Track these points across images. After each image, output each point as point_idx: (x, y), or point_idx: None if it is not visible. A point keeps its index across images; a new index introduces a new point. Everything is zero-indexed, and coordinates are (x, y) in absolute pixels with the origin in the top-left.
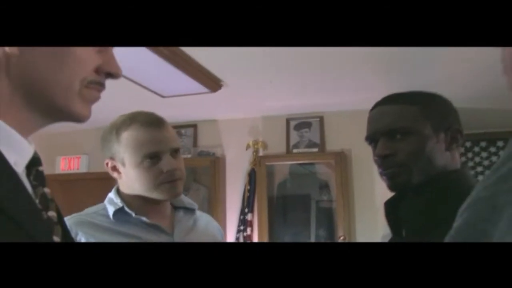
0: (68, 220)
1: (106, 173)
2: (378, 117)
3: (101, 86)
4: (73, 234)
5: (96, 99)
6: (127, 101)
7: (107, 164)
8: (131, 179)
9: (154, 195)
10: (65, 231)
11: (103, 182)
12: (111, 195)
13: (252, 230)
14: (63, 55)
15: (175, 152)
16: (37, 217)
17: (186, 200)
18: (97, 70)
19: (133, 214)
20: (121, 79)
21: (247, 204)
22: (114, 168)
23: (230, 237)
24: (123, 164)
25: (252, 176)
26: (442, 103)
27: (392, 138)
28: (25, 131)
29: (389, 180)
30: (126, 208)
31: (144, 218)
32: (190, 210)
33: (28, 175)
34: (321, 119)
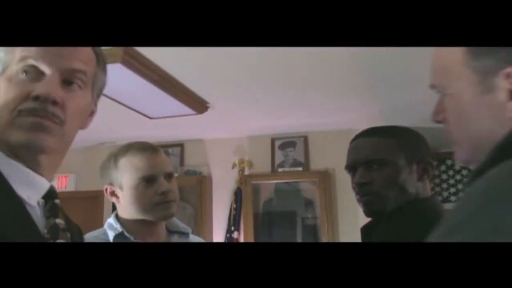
0: None
1: (93, 192)
2: (357, 148)
3: (38, 111)
4: None
5: (32, 124)
6: (115, 122)
7: (106, 189)
8: (128, 201)
9: (150, 216)
10: None
11: (90, 201)
12: (111, 220)
13: None
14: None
15: (168, 176)
16: (39, 243)
17: (180, 224)
18: (27, 98)
19: (132, 238)
20: (110, 101)
21: (233, 222)
22: (113, 193)
23: None
24: (121, 188)
25: (238, 195)
26: (416, 137)
27: (369, 168)
28: (36, 168)
29: (365, 207)
30: (126, 233)
31: (142, 242)
32: (184, 234)
33: (45, 206)
34: (305, 138)
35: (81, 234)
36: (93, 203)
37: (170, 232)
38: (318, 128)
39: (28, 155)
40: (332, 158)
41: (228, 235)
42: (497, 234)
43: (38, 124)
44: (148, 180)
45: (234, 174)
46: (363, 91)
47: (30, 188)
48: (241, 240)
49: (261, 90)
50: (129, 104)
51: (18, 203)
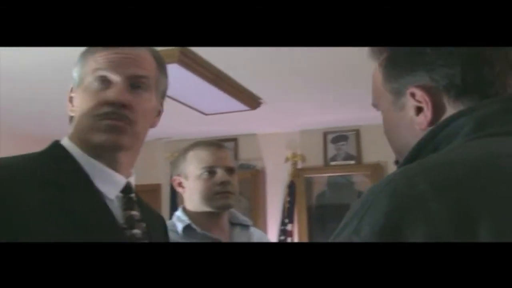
0: None
1: (151, 186)
2: None
3: (112, 114)
4: None
5: (110, 127)
6: (172, 118)
7: (174, 180)
8: (192, 190)
9: (210, 205)
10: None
11: (149, 194)
12: (179, 213)
13: (292, 240)
14: (83, 102)
15: (229, 170)
16: (119, 234)
17: (241, 217)
18: (102, 104)
19: (198, 230)
20: (167, 99)
21: (287, 215)
22: (180, 184)
23: None
24: (187, 178)
25: (291, 188)
26: None
27: None
28: (113, 166)
29: None
30: (193, 225)
31: (208, 234)
32: (245, 226)
33: (122, 200)
34: (357, 132)
35: (162, 224)
36: (152, 196)
37: (232, 224)
38: (370, 121)
39: (107, 154)
40: (384, 151)
41: (282, 227)
42: (358, 237)
43: (112, 126)
44: (210, 171)
45: (287, 168)
46: None
47: (109, 184)
48: (295, 233)
49: (312, 84)
50: (186, 101)
51: (99, 197)
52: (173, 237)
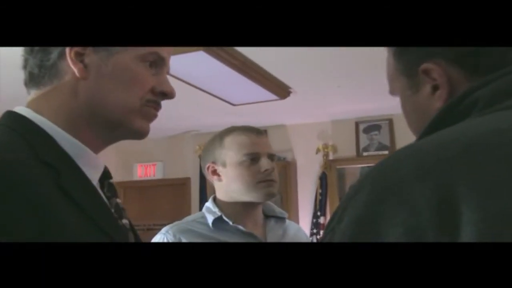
0: (172, 227)
1: (181, 179)
2: None
3: (158, 105)
4: (176, 240)
5: (154, 117)
6: (199, 110)
7: (207, 168)
8: (231, 178)
9: (252, 194)
10: (137, 237)
11: (178, 188)
12: (209, 204)
13: None
14: (124, 77)
15: (271, 157)
16: (116, 224)
17: (277, 209)
18: (153, 91)
19: (231, 223)
20: (193, 90)
21: (320, 207)
22: (215, 172)
23: None
24: (224, 166)
25: (323, 180)
26: None
27: None
28: (95, 148)
29: None
30: (224, 217)
31: (240, 227)
32: (280, 219)
33: (101, 187)
34: (390, 121)
35: None
36: (181, 190)
37: (267, 217)
38: None
39: (120, 139)
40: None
41: (314, 220)
42: (338, 228)
43: (155, 116)
44: (252, 158)
45: (318, 159)
46: None
47: (91, 167)
48: None
49: (343, 72)
50: (213, 91)
51: (89, 181)
52: (201, 230)
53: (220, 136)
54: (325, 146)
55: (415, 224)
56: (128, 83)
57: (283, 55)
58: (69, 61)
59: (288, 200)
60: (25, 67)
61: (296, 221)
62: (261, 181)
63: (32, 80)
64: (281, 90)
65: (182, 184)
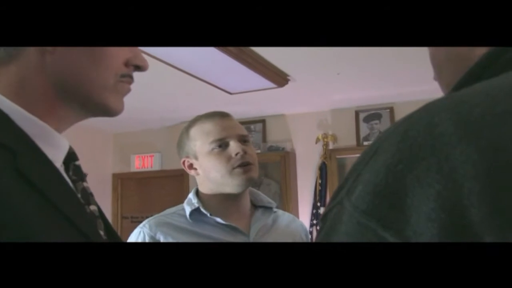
0: (149, 221)
1: (179, 170)
2: None
3: (131, 78)
4: (153, 233)
5: (128, 91)
6: (196, 100)
7: (183, 163)
8: (205, 170)
9: (229, 183)
10: (108, 225)
11: (176, 179)
12: (190, 195)
13: None
14: (96, 51)
15: (243, 139)
16: (83, 211)
17: (265, 198)
18: (126, 64)
19: (208, 215)
20: (191, 80)
21: (319, 198)
22: (191, 166)
23: None
24: (196, 158)
25: (323, 170)
26: None
27: None
28: (61, 127)
29: None
30: (202, 209)
31: (218, 219)
32: (268, 209)
33: (66, 170)
34: (391, 110)
35: None
36: (179, 181)
37: (256, 207)
38: (404, 98)
39: (90, 116)
40: None
41: (314, 211)
42: (348, 202)
43: (128, 91)
44: (220, 144)
45: (318, 149)
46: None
47: (54, 148)
48: None
49: (343, 59)
50: (209, 79)
51: (50, 163)
52: (180, 222)
53: (186, 128)
54: (325, 136)
55: (453, 198)
56: (101, 57)
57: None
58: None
59: (287, 190)
60: None
61: (296, 212)
62: (236, 167)
63: None
64: (279, 78)
65: (179, 175)
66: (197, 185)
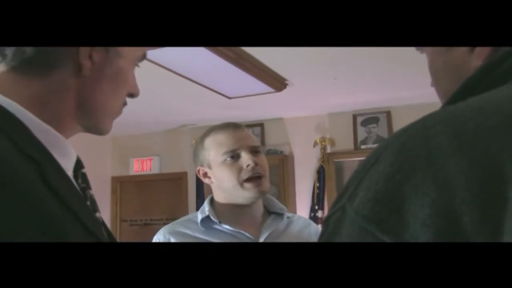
0: (165, 228)
1: (177, 174)
2: None
3: (126, 104)
4: (166, 240)
5: (119, 115)
6: (195, 104)
7: (198, 171)
8: (218, 179)
9: (240, 196)
10: (108, 230)
11: (174, 182)
12: (205, 203)
13: None
14: (119, 81)
15: (254, 150)
16: (96, 220)
17: (278, 205)
18: (128, 94)
19: (217, 222)
20: (189, 84)
21: (317, 201)
22: (205, 175)
23: None
24: (210, 167)
25: (321, 173)
26: None
27: None
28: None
29: None
30: (212, 216)
31: (226, 226)
32: (280, 215)
33: (75, 178)
34: (388, 113)
35: None
36: (177, 184)
37: (269, 213)
38: (401, 102)
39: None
40: None
41: (312, 214)
42: (350, 207)
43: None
44: (232, 155)
45: (316, 153)
46: None
47: (66, 157)
48: None
49: (340, 64)
50: (208, 84)
51: (64, 173)
52: (192, 230)
53: (201, 138)
54: (323, 139)
55: (447, 206)
56: (121, 88)
57: (279, 47)
58: (80, 55)
59: (285, 193)
60: None
61: None
62: (247, 180)
63: (16, 59)
64: (277, 82)
65: (178, 178)
66: (202, 190)
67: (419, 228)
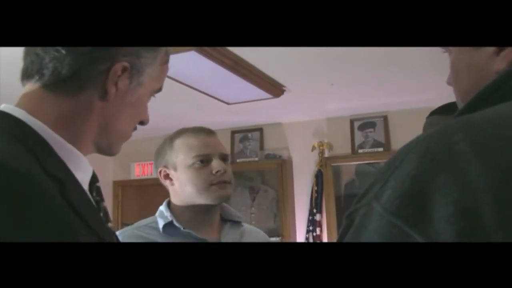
0: (121, 233)
1: None
2: (433, 125)
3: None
4: None
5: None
6: (195, 109)
7: (160, 172)
8: (182, 182)
9: (204, 197)
10: (118, 239)
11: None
12: (162, 208)
13: (321, 230)
14: (137, 110)
15: (223, 157)
16: (105, 227)
17: (234, 212)
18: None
19: (182, 228)
20: (188, 89)
21: (315, 204)
22: (167, 176)
23: (300, 238)
24: (175, 169)
25: (319, 177)
26: None
27: None
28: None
29: None
30: (175, 222)
31: (192, 232)
32: (236, 223)
33: (90, 191)
34: (385, 118)
35: None
36: None
37: (224, 220)
38: (397, 107)
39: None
40: (414, 137)
41: (310, 217)
42: (378, 203)
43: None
44: (202, 160)
45: (314, 157)
46: (443, 67)
47: (82, 172)
48: (324, 222)
49: (337, 70)
50: (207, 90)
51: (81, 187)
52: (152, 235)
53: (170, 138)
54: (321, 144)
55: (469, 206)
56: (137, 116)
57: (276, 53)
58: (109, 80)
59: (284, 197)
60: (49, 61)
61: (293, 218)
62: (213, 184)
63: (52, 79)
64: (275, 88)
65: None
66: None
67: (443, 225)
